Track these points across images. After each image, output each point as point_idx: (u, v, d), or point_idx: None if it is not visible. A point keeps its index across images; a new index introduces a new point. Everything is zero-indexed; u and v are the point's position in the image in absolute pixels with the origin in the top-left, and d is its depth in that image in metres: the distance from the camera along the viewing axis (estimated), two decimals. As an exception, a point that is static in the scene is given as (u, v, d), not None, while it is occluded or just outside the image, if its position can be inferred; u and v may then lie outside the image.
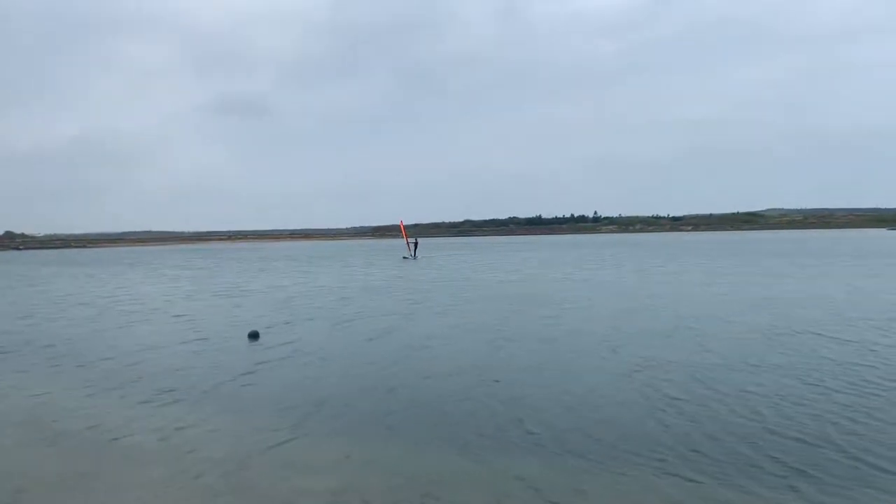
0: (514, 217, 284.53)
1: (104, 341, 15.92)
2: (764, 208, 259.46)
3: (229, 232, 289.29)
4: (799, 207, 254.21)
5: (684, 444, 7.43)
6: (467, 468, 6.92)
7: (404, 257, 54.45)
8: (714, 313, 17.86)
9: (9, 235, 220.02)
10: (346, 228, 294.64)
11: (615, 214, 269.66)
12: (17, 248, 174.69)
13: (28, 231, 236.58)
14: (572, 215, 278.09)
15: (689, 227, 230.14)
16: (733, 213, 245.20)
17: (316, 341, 14.96)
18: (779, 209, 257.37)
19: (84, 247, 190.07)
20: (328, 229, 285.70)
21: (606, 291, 24.78)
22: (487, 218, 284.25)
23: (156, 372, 12.07)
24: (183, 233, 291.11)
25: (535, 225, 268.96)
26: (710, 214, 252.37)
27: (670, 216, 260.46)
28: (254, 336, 15.49)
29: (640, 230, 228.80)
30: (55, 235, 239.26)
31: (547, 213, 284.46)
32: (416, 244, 54.96)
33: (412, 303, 22.29)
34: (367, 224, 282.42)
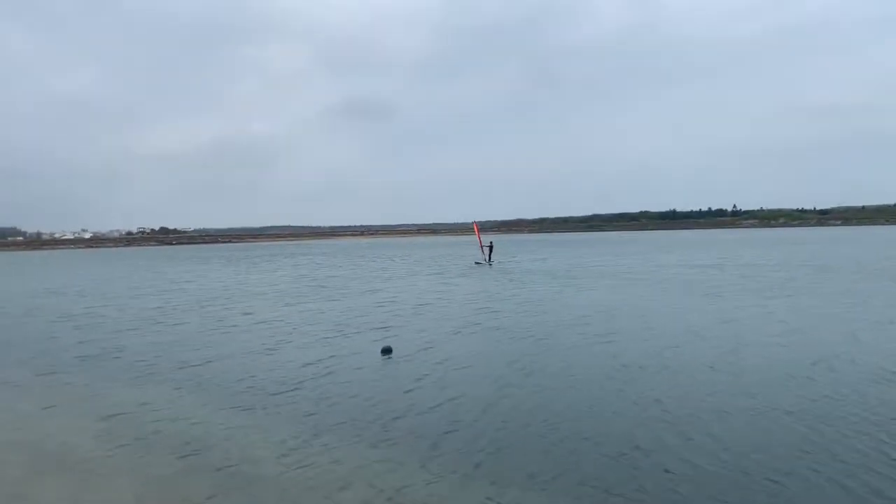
0: (646, 211, 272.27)
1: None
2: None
3: (361, 227, 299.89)
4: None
5: None
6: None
7: (477, 262, 48.81)
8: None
9: (164, 231, 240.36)
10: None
11: (756, 208, 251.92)
12: (171, 244, 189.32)
13: (179, 226, 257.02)
14: (709, 209, 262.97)
15: (839, 222, 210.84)
16: (889, 206, 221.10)
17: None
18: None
19: (230, 241, 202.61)
20: (455, 223, 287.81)
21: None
22: (617, 212, 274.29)
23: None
24: (319, 227, 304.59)
25: (669, 219, 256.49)
26: (863, 207, 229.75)
27: (817, 209, 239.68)
28: (386, 351, 14.65)
29: (784, 224, 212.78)
30: (204, 230, 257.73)
31: (681, 207, 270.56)
32: (490, 248, 49.35)
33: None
34: (493, 219, 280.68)
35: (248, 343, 16.42)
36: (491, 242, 50.84)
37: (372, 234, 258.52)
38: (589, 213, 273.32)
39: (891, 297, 22.21)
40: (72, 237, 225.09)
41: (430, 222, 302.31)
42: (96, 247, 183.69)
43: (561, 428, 8.76)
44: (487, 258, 48.54)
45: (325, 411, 9.94)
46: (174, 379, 12.56)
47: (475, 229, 54.06)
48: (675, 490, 6.67)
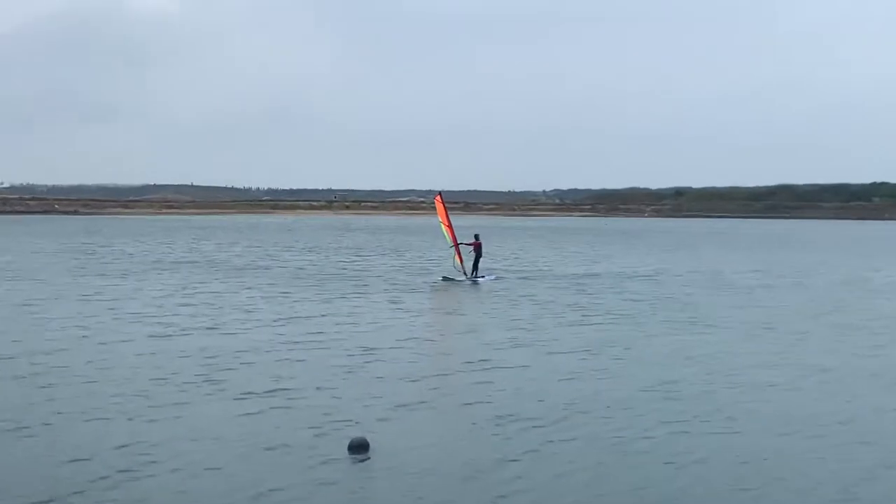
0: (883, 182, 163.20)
1: None
2: None
3: (327, 191, 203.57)
4: None
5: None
6: None
7: (445, 278, 28.19)
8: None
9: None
10: (550, 191, 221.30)
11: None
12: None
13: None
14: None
15: None
16: None
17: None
18: None
19: (76, 212, 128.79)
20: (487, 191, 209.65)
21: None
22: (822, 182, 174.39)
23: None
24: (249, 189, 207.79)
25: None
26: None
27: None
28: (358, 448, 8.01)
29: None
30: (30, 186, 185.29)
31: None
32: (478, 251, 27.83)
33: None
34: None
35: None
36: (477, 237, 28.25)
37: (346, 206, 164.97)
38: (772, 182, 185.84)
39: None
40: None
41: (427, 188, 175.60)
42: None
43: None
44: (471, 270, 27.65)
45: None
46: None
47: (437, 205, 29.88)
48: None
